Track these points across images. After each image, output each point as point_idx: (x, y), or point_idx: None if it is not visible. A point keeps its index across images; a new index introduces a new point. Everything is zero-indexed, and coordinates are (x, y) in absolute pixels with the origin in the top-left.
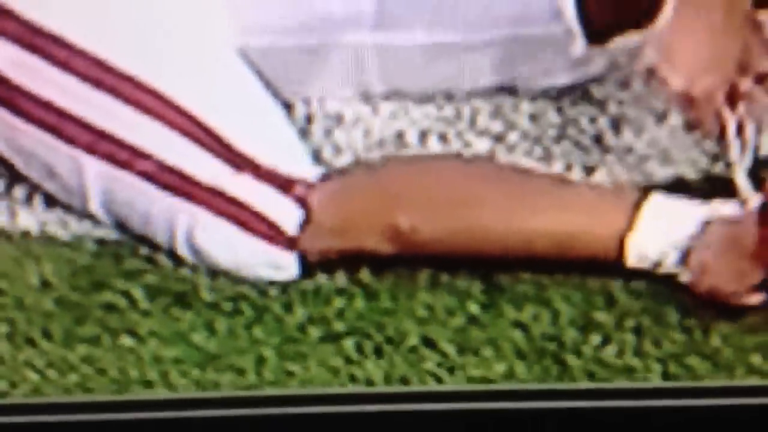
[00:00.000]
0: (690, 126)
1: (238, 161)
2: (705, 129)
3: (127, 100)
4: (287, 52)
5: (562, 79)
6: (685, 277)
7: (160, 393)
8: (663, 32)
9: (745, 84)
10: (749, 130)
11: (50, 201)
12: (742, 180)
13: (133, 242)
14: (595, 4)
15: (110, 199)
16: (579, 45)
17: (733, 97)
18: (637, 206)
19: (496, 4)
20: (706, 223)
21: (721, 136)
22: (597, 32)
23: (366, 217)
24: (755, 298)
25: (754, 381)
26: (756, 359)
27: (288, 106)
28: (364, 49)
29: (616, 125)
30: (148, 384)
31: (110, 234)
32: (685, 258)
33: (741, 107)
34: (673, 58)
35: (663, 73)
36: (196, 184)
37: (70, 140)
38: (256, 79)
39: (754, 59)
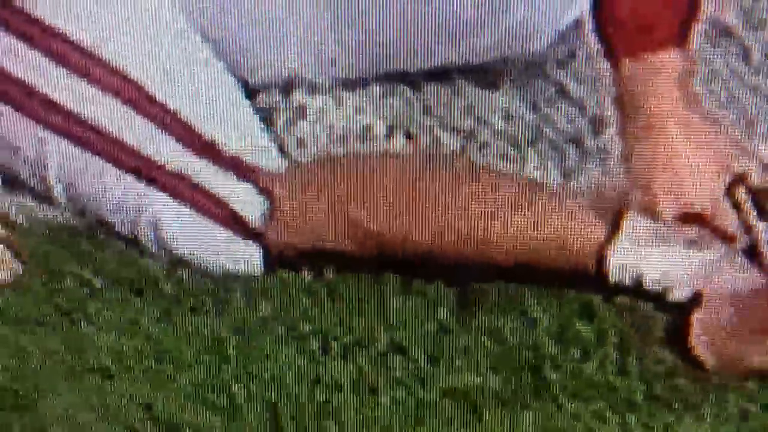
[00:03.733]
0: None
1: (203, 148)
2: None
3: (96, 82)
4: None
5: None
6: (673, 297)
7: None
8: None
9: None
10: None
11: (7, 184)
12: None
13: (90, 228)
14: None
15: (71, 181)
16: None
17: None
18: (618, 217)
19: None
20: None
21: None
22: None
23: (332, 216)
24: None
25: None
26: (748, 383)
27: (250, 97)
28: None
29: (595, 126)
30: (105, 374)
31: (66, 218)
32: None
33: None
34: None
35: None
36: (162, 169)
37: (34, 117)
38: (225, 67)
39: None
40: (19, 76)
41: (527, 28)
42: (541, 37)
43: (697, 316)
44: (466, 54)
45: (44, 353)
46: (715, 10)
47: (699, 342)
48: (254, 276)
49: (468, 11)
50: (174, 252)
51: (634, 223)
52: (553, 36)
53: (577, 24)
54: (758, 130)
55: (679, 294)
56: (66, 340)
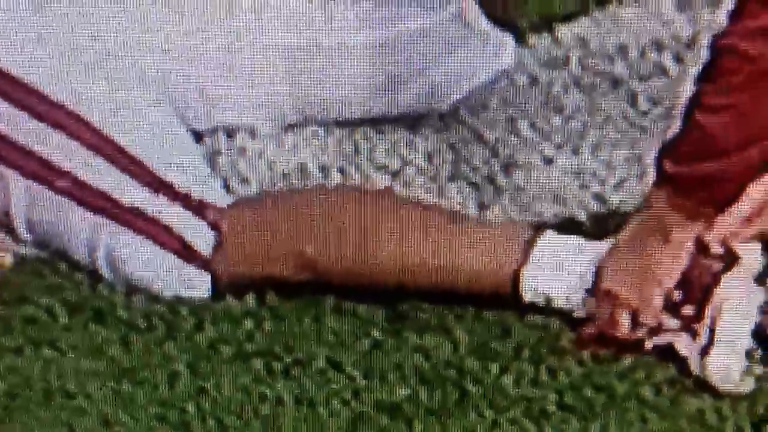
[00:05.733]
0: None
1: (157, 186)
2: None
3: (58, 126)
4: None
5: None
6: (580, 313)
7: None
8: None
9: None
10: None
11: None
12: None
13: (52, 259)
14: None
15: (33, 216)
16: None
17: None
18: (530, 243)
19: None
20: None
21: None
22: None
23: (274, 245)
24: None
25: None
26: (647, 393)
27: (197, 140)
28: None
29: (507, 166)
30: (69, 395)
31: (30, 250)
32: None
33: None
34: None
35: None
36: (118, 204)
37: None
38: (177, 116)
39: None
40: None
41: (443, 86)
42: (455, 94)
43: None
44: (390, 107)
45: (14, 376)
46: (606, 64)
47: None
48: (203, 301)
49: (391, 71)
50: (128, 279)
51: (541, 251)
52: (467, 92)
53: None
54: (645, 161)
55: (582, 312)
56: (32, 364)
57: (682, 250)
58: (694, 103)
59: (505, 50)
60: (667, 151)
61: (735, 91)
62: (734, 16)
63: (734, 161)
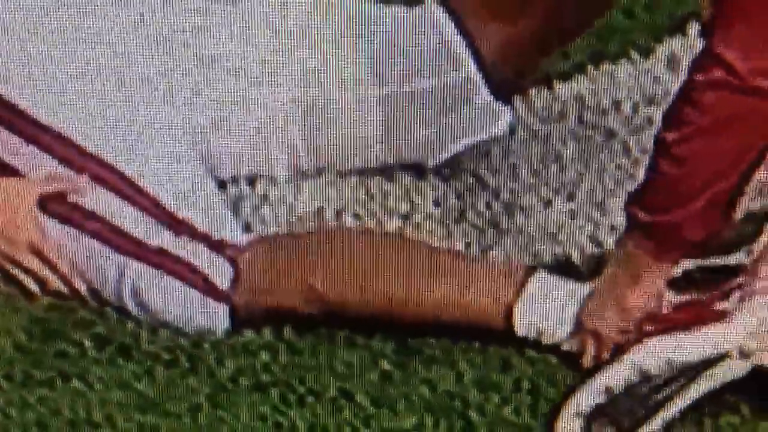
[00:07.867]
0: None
1: (179, 227)
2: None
3: (90, 174)
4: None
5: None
6: (567, 347)
7: None
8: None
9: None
10: None
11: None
12: None
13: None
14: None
15: (69, 257)
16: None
17: None
18: (523, 282)
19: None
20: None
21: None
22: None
23: (287, 280)
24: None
25: None
26: None
27: (221, 187)
28: None
29: (509, 210)
30: (95, 425)
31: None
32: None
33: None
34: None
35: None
36: (143, 244)
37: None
38: (199, 163)
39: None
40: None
41: (436, 144)
42: (446, 152)
43: None
44: (391, 156)
45: (44, 407)
46: (601, 118)
47: None
48: (222, 335)
49: (380, 126)
50: (154, 314)
51: (533, 290)
52: (457, 151)
53: None
54: None
55: (569, 346)
56: (62, 395)
57: (652, 290)
58: (659, 151)
59: (501, 119)
60: (634, 198)
61: (693, 139)
62: (691, 68)
63: (695, 207)
